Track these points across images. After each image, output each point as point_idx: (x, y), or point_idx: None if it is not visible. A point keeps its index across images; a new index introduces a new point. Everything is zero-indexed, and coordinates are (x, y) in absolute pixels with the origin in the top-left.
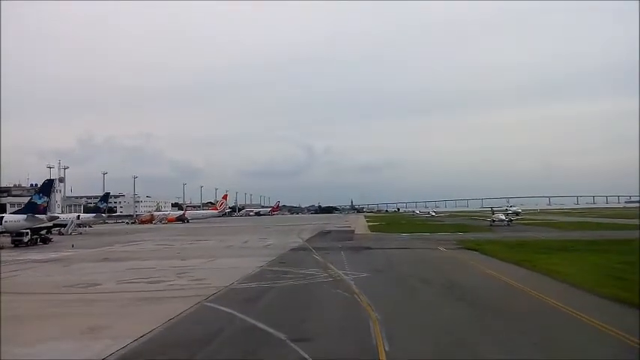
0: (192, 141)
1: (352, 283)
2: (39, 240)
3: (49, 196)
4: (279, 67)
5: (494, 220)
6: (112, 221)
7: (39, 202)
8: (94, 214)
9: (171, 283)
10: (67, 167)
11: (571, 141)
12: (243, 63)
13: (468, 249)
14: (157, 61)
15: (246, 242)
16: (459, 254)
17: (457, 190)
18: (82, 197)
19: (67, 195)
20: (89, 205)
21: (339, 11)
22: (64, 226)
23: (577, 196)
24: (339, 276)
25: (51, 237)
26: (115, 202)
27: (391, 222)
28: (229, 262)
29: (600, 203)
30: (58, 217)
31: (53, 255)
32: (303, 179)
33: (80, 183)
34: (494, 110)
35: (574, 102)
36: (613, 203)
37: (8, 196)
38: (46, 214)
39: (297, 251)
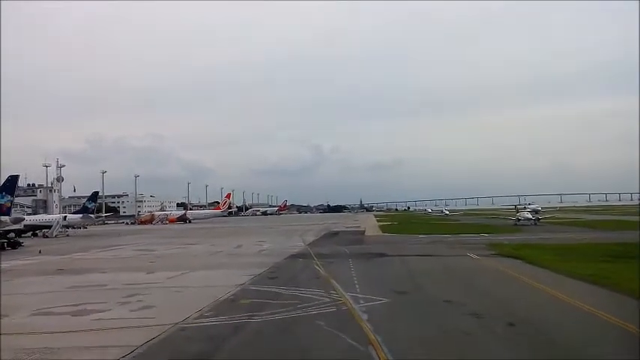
0: (201, 141)
1: (364, 318)
2: (6, 245)
3: (12, 194)
4: (288, 66)
5: (519, 219)
6: (113, 221)
7: (2, 201)
8: (82, 215)
9: (102, 315)
10: (64, 165)
11: (582, 138)
12: (252, 61)
13: (506, 256)
14: (165, 60)
15: (239, 247)
16: (499, 264)
17: (466, 189)
18: (84, 197)
19: (70, 195)
20: None
21: (348, 10)
22: (50, 227)
23: (589, 194)
24: (344, 304)
25: (21, 241)
26: (118, 202)
27: (404, 221)
28: (205, 276)
29: (612, 201)
30: (24, 219)
31: (4, 265)
32: (312, 178)
33: (89, 183)
34: (505, 108)
35: (585, 99)
36: (625, 201)
37: None
38: (9, 214)
39: (296, 259)
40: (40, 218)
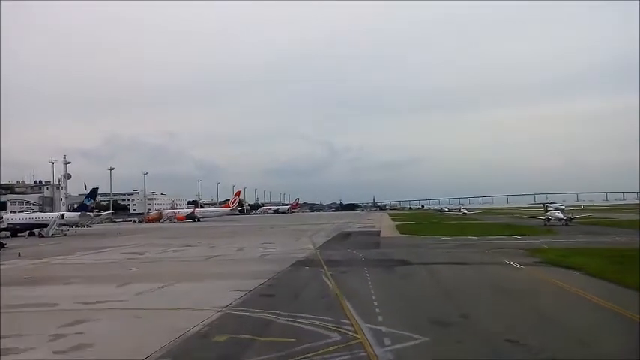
0: (215, 139)
1: None
2: None
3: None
4: (299, 64)
5: (549, 219)
6: (121, 219)
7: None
8: (79, 213)
9: None
10: (69, 162)
11: (596, 137)
12: (265, 60)
13: (555, 264)
14: (180, 60)
15: (240, 249)
16: (552, 276)
17: (479, 188)
18: None
19: (81, 193)
20: (102, 202)
21: (358, 6)
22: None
23: (606, 193)
24: (362, 346)
25: (4, 242)
26: (129, 200)
27: (421, 221)
28: (186, 291)
29: (630, 199)
30: (1, 218)
31: None
32: (324, 177)
33: (104, 181)
34: (518, 106)
35: (599, 97)
36: None
37: (11, 193)
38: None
39: (302, 268)
40: (37, 217)
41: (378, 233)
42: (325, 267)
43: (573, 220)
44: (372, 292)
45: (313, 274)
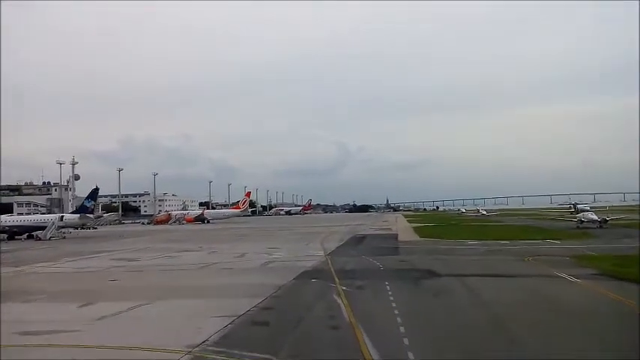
0: (228, 140)
1: None
2: None
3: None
4: (311, 65)
5: (582, 221)
6: (130, 221)
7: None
8: (79, 215)
9: None
10: (77, 162)
11: (613, 136)
12: (277, 60)
13: (613, 276)
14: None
15: (242, 256)
16: (619, 292)
17: (493, 188)
18: (106, 196)
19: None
20: (113, 204)
21: (374, 6)
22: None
23: (624, 193)
24: None
25: None
26: (140, 202)
27: (439, 223)
28: (158, 316)
29: None
30: None
31: None
32: (337, 178)
33: (116, 183)
34: (532, 105)
35: (615, 97)
36: None
37: (19, 194)
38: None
39: (308, 281)
40: (35, 218)
41: (395, 237)
42: (337, 280)
43: (608, 222)
44: (398, 319)
45: (322, 290)
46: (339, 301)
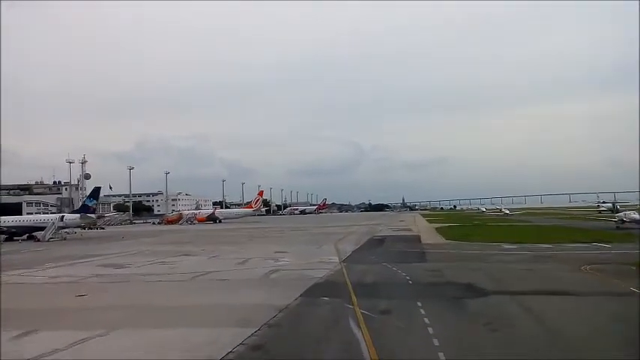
0: (243, 140)
1: None
2: None
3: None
4: (325, 65)
5: (623, 221)
6: (142, 221)
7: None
8: (80, 214)
9: None
10: (86, 161)
11: (631, 134)
12: (290, 61)
13: None
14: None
15: (243, 262)
16: None
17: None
18: (120, 195)
19: (106, 194)
20: (126, 203)
21: (385, 6)
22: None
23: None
24: None
25: None
26: (153, 201)
27: (462, 223)
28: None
29: None
30: None
31: None
32: (353, 177)
33: (135, 182)
34: (546, 104)
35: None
36: None
37: (29, 193)
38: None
39: (318, 300)
40: (35, 218)
41: (417, 239)
42: (354, 299)
43: None
44: None
45: (335, 315)
46: (359, 335)
